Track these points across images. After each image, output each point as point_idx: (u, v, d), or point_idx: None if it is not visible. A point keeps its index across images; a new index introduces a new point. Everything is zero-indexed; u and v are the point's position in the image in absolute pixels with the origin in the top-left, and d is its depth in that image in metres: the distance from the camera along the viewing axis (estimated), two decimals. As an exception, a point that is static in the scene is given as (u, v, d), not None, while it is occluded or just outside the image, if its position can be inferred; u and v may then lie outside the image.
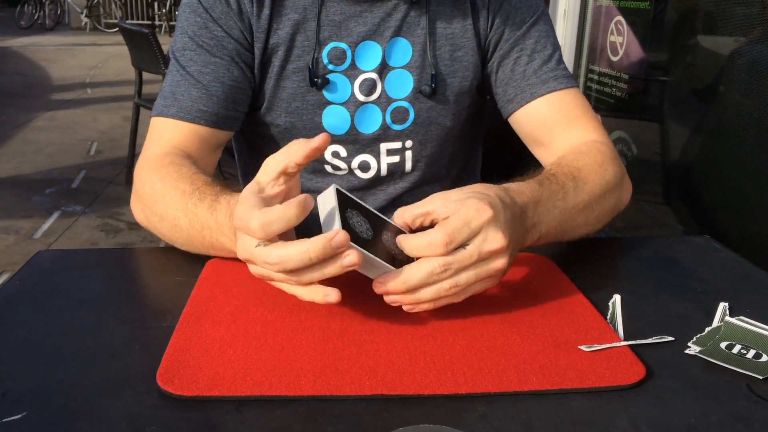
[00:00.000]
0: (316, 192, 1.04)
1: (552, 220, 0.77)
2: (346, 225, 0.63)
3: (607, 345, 0.63)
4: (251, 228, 0.61)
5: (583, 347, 0.63)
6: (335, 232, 0.60)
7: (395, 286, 0.64)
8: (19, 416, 0.54)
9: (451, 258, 0.63)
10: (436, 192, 1.07)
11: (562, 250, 0.86)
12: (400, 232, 0.68)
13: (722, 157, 1.45)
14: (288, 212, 0.61)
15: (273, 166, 0.67)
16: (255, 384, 0.57)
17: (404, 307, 0.66)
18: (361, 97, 0.98)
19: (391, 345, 0.63)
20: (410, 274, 0.63)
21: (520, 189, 0.75)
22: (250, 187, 0.67)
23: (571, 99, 0.97)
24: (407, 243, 0.65)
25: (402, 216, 0.69)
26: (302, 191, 1.05)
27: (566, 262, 0.83)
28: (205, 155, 0.96)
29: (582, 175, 0.84)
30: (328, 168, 1.03)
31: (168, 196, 0.82)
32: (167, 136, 0.94)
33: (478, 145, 1.17)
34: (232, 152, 1.21)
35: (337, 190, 0.66)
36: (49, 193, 3.73)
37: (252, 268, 0.66)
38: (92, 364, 0.61)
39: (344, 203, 0.65)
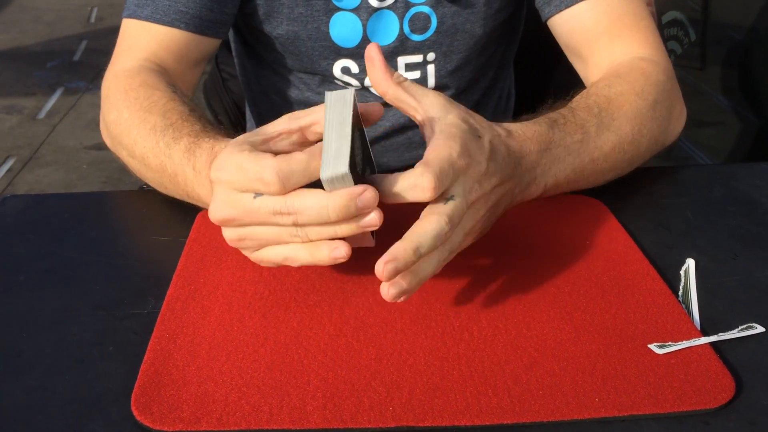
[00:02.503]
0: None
1: (563, 168, 0.63)
2: (351, 154, 0.48)
3: (685, 344, 0.51)
4: (265, 178, 0.48)
5: (654, 347, 0.51)
6: (363, 189, 0.47)
7: (405, 255, 0.47)
8: (-34, 459, 0.44)
9: (449, 210, 0.50)
10: (462, 105, 0.94)
11: (609, 185, 0.71)
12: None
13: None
14: (313, 164, 0.48)
15: (289, 120, 0.53)
16: (252, 413, 0.46)
17: (387, 292, 0.49)
18: (374, 2, 0.81)
19: (419, 359, 0.51)
20: (419, 236, 0.48)
21: (523, 132, 0.60)
22: (248, 136, 0.53)
23: (622, 5, 0.78)
24: (392, 186, 0.50)
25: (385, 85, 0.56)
26: (310, 105, 0.91)
27: (616, 202, 0.69)
28: (185, 69, 0.81)
29: (611, 107, 0.68)
30: (339, 83, 0.88)
31: (135, 129, 0.69)
32: (140, 44, 0.79)
33: (512, 53, 0.99)
34: (231, 47, 1.05)
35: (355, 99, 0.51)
36: (51, 67, 3.55)
37: (231, 233, 0.53)
38: (56, 375, 0.50)
39: (356, 120, 0.51)
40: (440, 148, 0.51)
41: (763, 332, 0.53)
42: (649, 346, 0.51)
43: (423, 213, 0.50)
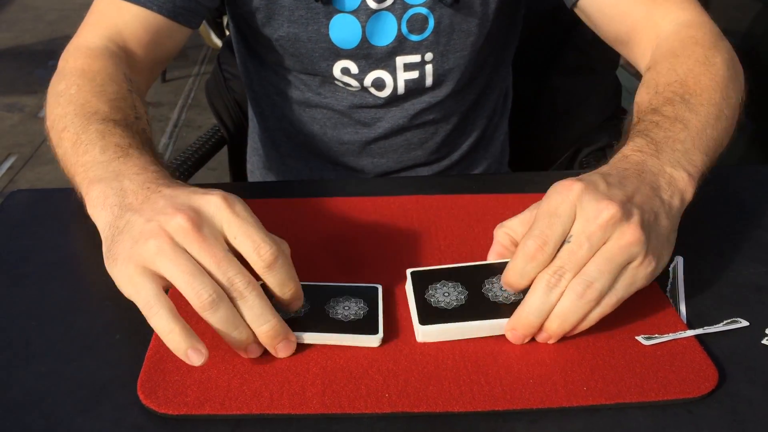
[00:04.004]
0: (324, 108, 0.92)
1: (691, 156, 0.60)
2: (426, 308, 0.53)
3: (672, 336, 0.53)
4: (269, 241, 0.50)
5: (641, 338, 0.53)
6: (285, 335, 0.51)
7: (521, 323, 0.51)
8: (-22, 440, 0.46)
9: (558, 260, 0.50)
10: (459, 107, 0.96)
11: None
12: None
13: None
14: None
15: None
16: (253, 398, 0.48)
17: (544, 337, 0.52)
18: (372, 4, 0.82)
19: (415, 348, 0.53)
20: (526, 303, 0.51)
21: (625, 154, 0.59)
22: None
23: None
24: (504, 276, 0.53)
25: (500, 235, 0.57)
26: (311, 106, 0.93)
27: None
28: (148, 58, 0.78)
29: (689, 88, 0.66)
30: (339, 84, 0.90)
31: (72, 105, 0.66)
32: (107, 20, 0.76)
33: (510, 53, 1.01)
34: (233, 47, 1.07)
35: (412, 274, 0.57)
36: (52, 65, 3.55)
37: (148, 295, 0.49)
38: (65, 363, 0.52)
39: (423, 286, 0.55)
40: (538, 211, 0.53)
41: (747, 326, 0.55)
42: (636, 338, 0.53)
43: None
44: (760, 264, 0.63)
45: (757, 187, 0.75)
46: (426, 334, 0.52)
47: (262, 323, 0.49)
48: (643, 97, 0.67)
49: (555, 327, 0.51)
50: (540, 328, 0.51)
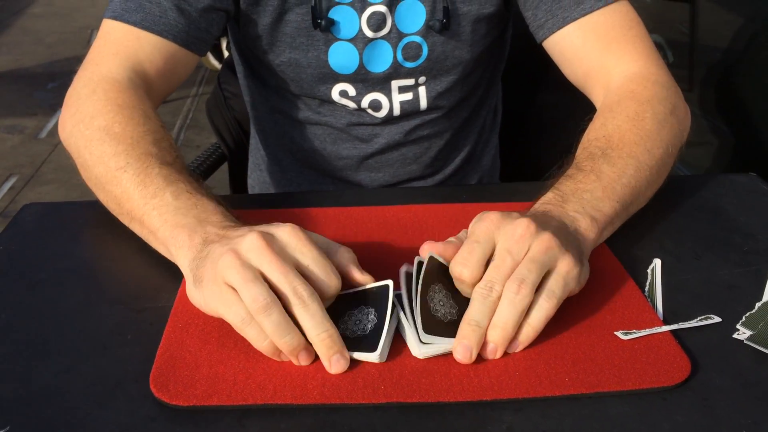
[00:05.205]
0: (324, 125, 0.97)
1: (598, 203, 0.65)
2: (426, 310, 0.56)
3: (648, 331, 0.57)
4: (336, 273, 0.56)
5: (620, 333, 0.57)
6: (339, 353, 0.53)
7: (469, 335, 0.54)
8: (2, 431, 0.49)
9: (486, 276, 0.56)
10: (452, 123, 1.00)
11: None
12: None
13: None
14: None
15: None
16: (258, 390, 0.51)
17: (512, 347, 0.55)
18: (369, 33, 0.87)
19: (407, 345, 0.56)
20: (466, 315, 0.55)
21: (534, 208, 0.65)
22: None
23: (609, 19, 0.81)
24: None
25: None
26: (311, 123, 0.98)
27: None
28: (163, 87, 0.82)
29: (613, 142, 0.71)
30: (337, 104, 0.94)
31: (124, 145, 0.68)
32: (127, 50, 0.79)
33: (499, 71, 1.05)
34: (234, 67, 1.11)
35: (412, 271, 0.59)
36: (52, 88, 3.62)
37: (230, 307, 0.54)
38: (81, 360, 0.55)
39: (427, 282, 0.58)
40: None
41: (720, 322, 0.59)
42: (615, 333, 0.57)
43: None
44: (733, 265, 0.67)
45: (732, 194, 0.80)
46: (423, 353, 0.54)
47: (322, 331, 0.53)
48: (575, 153, 0.73)
49: (497, 335, 0.54)
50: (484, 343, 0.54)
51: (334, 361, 0.53)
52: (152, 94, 0.80)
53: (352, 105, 0.93)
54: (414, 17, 0.87)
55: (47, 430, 0.49)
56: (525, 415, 0.50)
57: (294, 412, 0.50)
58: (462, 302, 0.57)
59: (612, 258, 0.67)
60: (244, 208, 0.72)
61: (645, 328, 0.57)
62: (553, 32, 0.84)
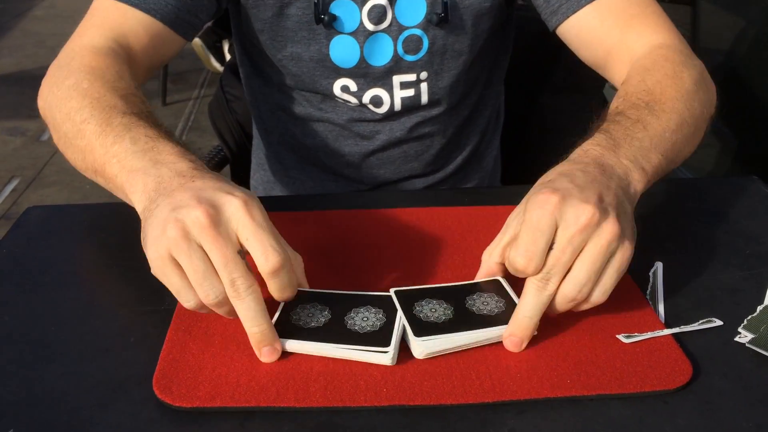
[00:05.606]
0: (326, 122, 0.97)
1: (647, 153, 0.64)
2: (418, 323, 0.56)
3: (650, 334, 0.57)
4: (278, 249, 0.54)
5: (621, 337, 0.57)
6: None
7: (518, 326, 0.55)
8: (6, 433, 0.49)
9: (546, 266, 0.55)
10: (453, 121, 1.00)
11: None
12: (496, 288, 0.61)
13: None
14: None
15: None
16: (260, 392, 0.51)
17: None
18: (370, 26, 0.87)
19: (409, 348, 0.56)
20: (520, 307, 0.55)
21: (585, 149, 0.63)
22: None
23: None
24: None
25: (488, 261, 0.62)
26: (311, 120, 0.98)
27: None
28: (146, 62, 0.81)
29: (655, 96, 0.70)
30: (339, 100, 0.94)
31: (89, 98, 0.68)
32: (112, 23, 0.78)
33: (501, 72, 1.06)
34: (235, 70, 1.12)
35: (396, 293, 0.60)
36: (54, 90, 3.62)
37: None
38: (84, 363, 0.55)
39: (408, 304, 0.58)
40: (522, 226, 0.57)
41: (721, 325, 0.59)
42: (617, 336, 0.57)
43: None
44: (735, 268, 0.67)
45: (734, 198, 0.80)
46: (425, 346, 0.55)
47: (253, 326, 0.54)
48: (612, 104, 0.72)
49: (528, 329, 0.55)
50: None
51: (264, 353, 0.54)
52: (134, 66, 0.79)
53: (353, 101, 0.93)
54: (414, 10, 0.87)
55: (50, 432, 0.49)
56: (527, 418, 0.50)
57: (297, 414, 0.50)
58: (460, 301, 0.58)
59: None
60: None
61: (647, 331, 0.58)
62: (568, 17, 0.83)
